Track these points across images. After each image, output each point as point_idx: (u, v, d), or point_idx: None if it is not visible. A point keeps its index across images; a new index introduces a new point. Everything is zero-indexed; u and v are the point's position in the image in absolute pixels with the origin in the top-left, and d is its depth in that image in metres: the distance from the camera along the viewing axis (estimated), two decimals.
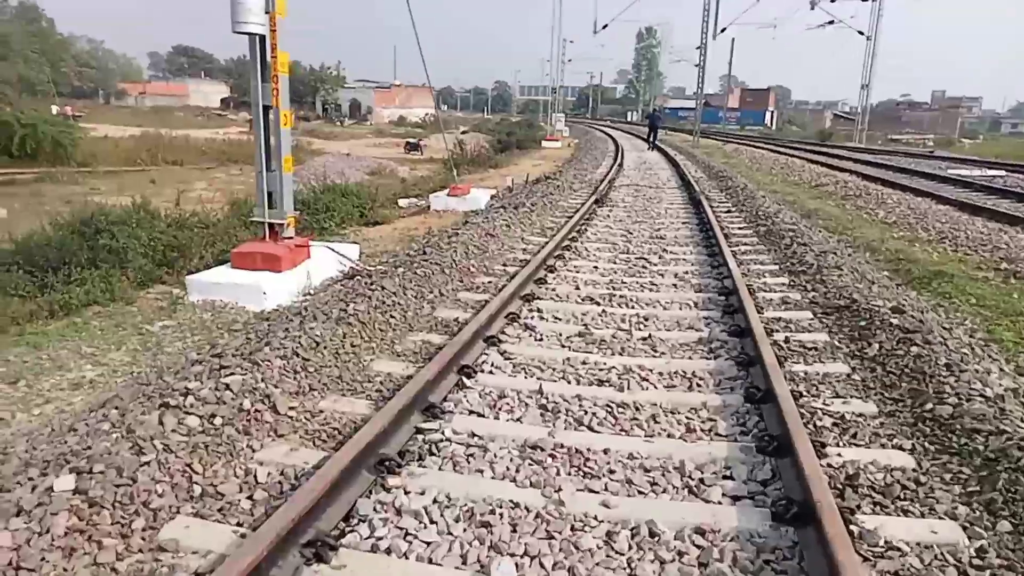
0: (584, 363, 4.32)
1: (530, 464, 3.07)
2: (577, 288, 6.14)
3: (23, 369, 4.50)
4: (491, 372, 4.16)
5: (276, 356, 3.84)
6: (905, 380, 3.98)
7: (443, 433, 3.30)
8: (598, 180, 14.91)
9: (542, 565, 2.40)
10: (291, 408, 3.46)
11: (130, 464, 2.67)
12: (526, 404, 3.71)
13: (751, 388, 3.83)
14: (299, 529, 2.39)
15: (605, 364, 4.29)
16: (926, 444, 3.32)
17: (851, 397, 3.86)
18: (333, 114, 66.44)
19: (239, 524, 2.60)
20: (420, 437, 3.29)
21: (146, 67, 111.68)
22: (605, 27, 38.11)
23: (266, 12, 5.79)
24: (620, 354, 4.53)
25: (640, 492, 2.90)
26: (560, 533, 2.58)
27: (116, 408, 3.26)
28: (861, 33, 36.91)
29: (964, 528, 2.65)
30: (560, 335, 4.87)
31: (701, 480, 2.99)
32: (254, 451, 3.08)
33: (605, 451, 3.18)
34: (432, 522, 2.63)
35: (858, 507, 2.78)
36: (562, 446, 3.21)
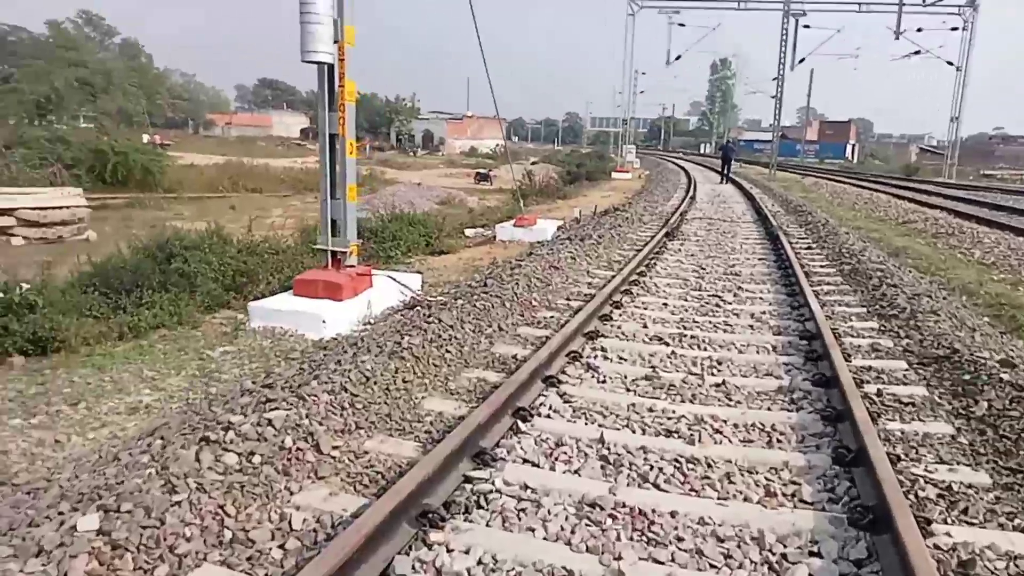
0: (651, 410, 3.98)
1: (587, 525, 2.78)
2: (645, 326, 5.80)
3: (85, 391, 4.56)
4: (549, 416, 3.88)
5: (324, 391, 3.68)
6: (1023, 447, 3.47)
7: (493, 483, 3.05)
8: (669, 212, 14.53)
9: None
10: (335, 448, 3.28)
11: (160, 504, 2.54)
12: (585, 454, 3.41)
13: (840, 448, 3.42)
14: None
15: (674, 412, 3.94)
16: None
17: (958, 464, 3.39)
18: (407, 144, 68.24)
19: None
20: (468, 487, 3.04)
21: (233, 99, 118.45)
22: (678, 58, 37.62)
23: (334, 41, 5.83)
24: (691, 401, 4.17)
25: (712, 565, 2.56)
26: None
27: (161, 439, 3.17)
28: (950, 63, 35.19)
29: None
30: (625, 377, 4.56)
31: (783, 555, 2.61)
32: (292, 493, 2.90)
33: (672, 514, 2.85)
34: None
35: None
36: (624, 505, 2.91)
